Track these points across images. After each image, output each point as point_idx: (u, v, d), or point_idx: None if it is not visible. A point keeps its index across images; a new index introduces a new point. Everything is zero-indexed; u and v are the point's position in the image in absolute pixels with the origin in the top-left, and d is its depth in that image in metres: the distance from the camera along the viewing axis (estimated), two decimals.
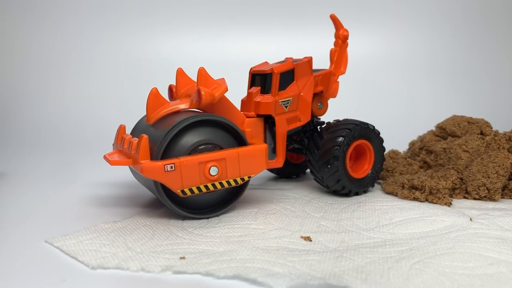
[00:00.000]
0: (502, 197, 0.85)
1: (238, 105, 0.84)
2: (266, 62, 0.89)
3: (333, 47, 0.94)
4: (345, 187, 0.85)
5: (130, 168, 0.83)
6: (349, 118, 0.91)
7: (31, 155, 1.30)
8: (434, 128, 1.05)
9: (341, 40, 0.93)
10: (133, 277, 0.54)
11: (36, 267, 0.57)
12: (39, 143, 1.44)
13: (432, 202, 0.81)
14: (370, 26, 1.88)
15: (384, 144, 0.92)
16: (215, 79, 0.78)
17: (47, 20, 1.81)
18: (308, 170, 1.07)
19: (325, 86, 0.91)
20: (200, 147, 0.72)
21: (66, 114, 1.65)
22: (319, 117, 0.96)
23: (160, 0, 1.87)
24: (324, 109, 0.92)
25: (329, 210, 0.79)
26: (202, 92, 0.73)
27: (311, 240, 0.65)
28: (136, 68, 1.79)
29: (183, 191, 0.69)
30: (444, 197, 0.81)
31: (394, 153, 1.03)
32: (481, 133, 0.95)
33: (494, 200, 0.83)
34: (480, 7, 1.92)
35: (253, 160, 0.75)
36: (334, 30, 0.94)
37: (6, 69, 1.77)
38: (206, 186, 0.71)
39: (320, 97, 0.91)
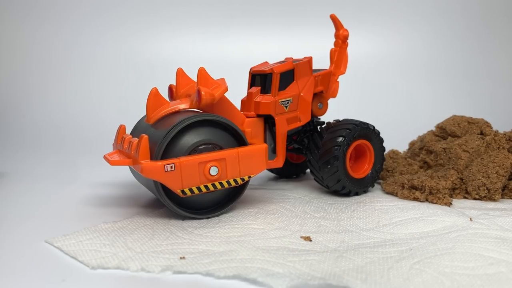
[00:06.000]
0: (502, 197, 0.85)
1: (238, 105, 0.84)
2: (266, 62, 0.89)
3: (333, 47, 0.94)
4: (345, 187, 0.85)
5: (130, 168, 0.83)
6: (349, 118, 0.91)
7: (31, 155, 1.30)
8: (434, 128, 1.05)
9: (341, 40, 0.93)
10: (133, 277, 0.54)
11: (36, 267, 0.57)
12: (39, 143, 1.44)
13: (432, 202, 0.81)
14: (370, 26, 1.88)
15: (384, 144, 0.92)
16: (215, 79, 0.78)
17: (47, 20, 1.81)
18: (308, 170, 1.07)
19: (325, 86, 0.91)
20: (200, 147, 0.72)
21: (66, 114, 1.64)
22: (319, 117, 0.96)
23: (160, 0, 1.87)
24: (324, 109, 0.92)
25: (329, 210, 0.79)
26: (202, 92, 0.73)
27: (311, 240, 0.65)
28: (136, 68, 1.79)
29: (183, 191, 0.70)
30: (444, 197, 0.81)
31: (394, 153, 1.03)
32: (481, 133, 0.95)
33: (494, 200, 0.83)
34: (480, 7, 1.91)
35: (253, 160, 0.75)
36: (334, 30, 0.94)
37: (6, 69, 1.77)
38: (206, 186, 0.71)
39: (320, 97, 0.91)
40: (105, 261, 0.58)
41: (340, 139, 0.84)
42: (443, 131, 1.02)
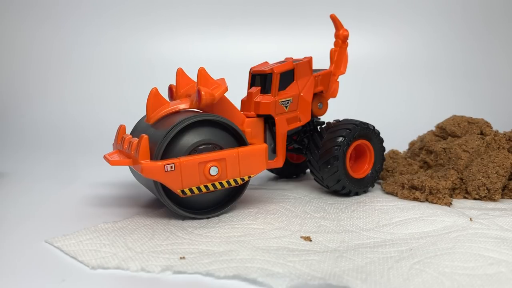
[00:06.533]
0: (502, 197, 0.85)
1: (238, 105, 0.84)
2: (266, 62, 0.89)
3: (333, 47, 0.94)
4: (345, 187, 0.85)
5: (130, 168, 0.83)
6: (349, 118, 0.91)
7: (31, 155, 1.30)
8: (434, 128, 1.05)
9: (341, 40, 0.93)
10: (133, 277, 0.54)
11: (36, 267, 0.57)
12: (39, 143, 1.44)
13: (432, 202, 0.81)
14: (370, 26, 1.88)
15: (384, 144, 0.92)
16: (215, 79, 0.78)
17: (47, 20, 1.81)
18: (308, 170, 1.07)
19: (325, 86, 0.91)
20: (200, 147, 0.72)
21: (66, 114, 1.65)
22: (319, 117, 0.96)
23: (160, 0, 1.87)
24: (324, 109, 0.92)
25: (329, 210, 0.79)
26: (202, 92, 0.73)
27: (311, 240, 0.65)
28: (136, 68, 1.79)
29: (183, 191, 0.70)
30: (444, 197, 0.81)
31: (394, 153, 1.03)
32: (481, 133, 0.95)
33: (494, 200, 0.83)
34: (480, 7, 1.92)
35: (253, 160, 0.75)
36: (334, 30, 0.94)
37: (6, 69, 1.77)
38: (206, 186, 0.71)
39: (320, 97, 0.91)
40: (105, 261, 0.58)
41: (340, 139, 0.84)
42: (443, 131, 1.02)
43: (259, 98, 0.83)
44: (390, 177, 0.96)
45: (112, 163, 0.72)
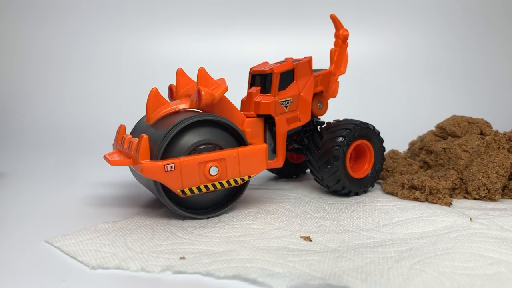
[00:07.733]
0: (502, 197, 0.85)
1: (238, 105, 0.84)
2: (266, 62, 0.89)
3: (333, 47, 0.94)
4: (345, 187, 0.85)
5: (130, 168, 0.83)
6: (349, 118, 0.91)
7: (31, 155, 1.30)
8: (434, 128, 1.05)
9: (341, 40, 0.93)
10: (133, 277, 0.54)
11: (36, 267, 0.57)
12: (39, 143, 1.44)
13: (432, 202, 0.81)
14: (370, 26, 1.88)
15: (384, 144, 0.92)
16: (215, 79, 0.78)
17: (47, 20, 1.81)
18: (308, 170, 1.07)
19: (325, 86, 0.91)
20: (200, 147, 0.72)
21: (66, 114, 1.65)
22: (319, 117, 0.96)
23: (160, 0, 1.87)
24: (324, 109, 0.92)
25: (329, 210, 0.79)
26: (202, 92, 0.73)
27: (311, 240, 0.65)
28: (136, 68, 1.79)
29: (183, 191, 0.70)
30: (444, 197, 0.81)
31: (394, 153, 1.03)
32: (481, 133, 0.95)
33: (494, 200, 0.83)
34: (480, 7, 1.92)
35: (253, 160, 0.75)
36: (334, 30, 0.94)
37: (6, 69, 1.77)
38: (206, 186, 0.71)
39: (320, 97, 0.91)
40: (105, 261, 0.58)
41: (340, 139, 0.84)
42: (443, 131, 1.02)
43: (259, 98, 0.83)
44: (390, 177, 0.96)
45: (112, 163, 0.72)
